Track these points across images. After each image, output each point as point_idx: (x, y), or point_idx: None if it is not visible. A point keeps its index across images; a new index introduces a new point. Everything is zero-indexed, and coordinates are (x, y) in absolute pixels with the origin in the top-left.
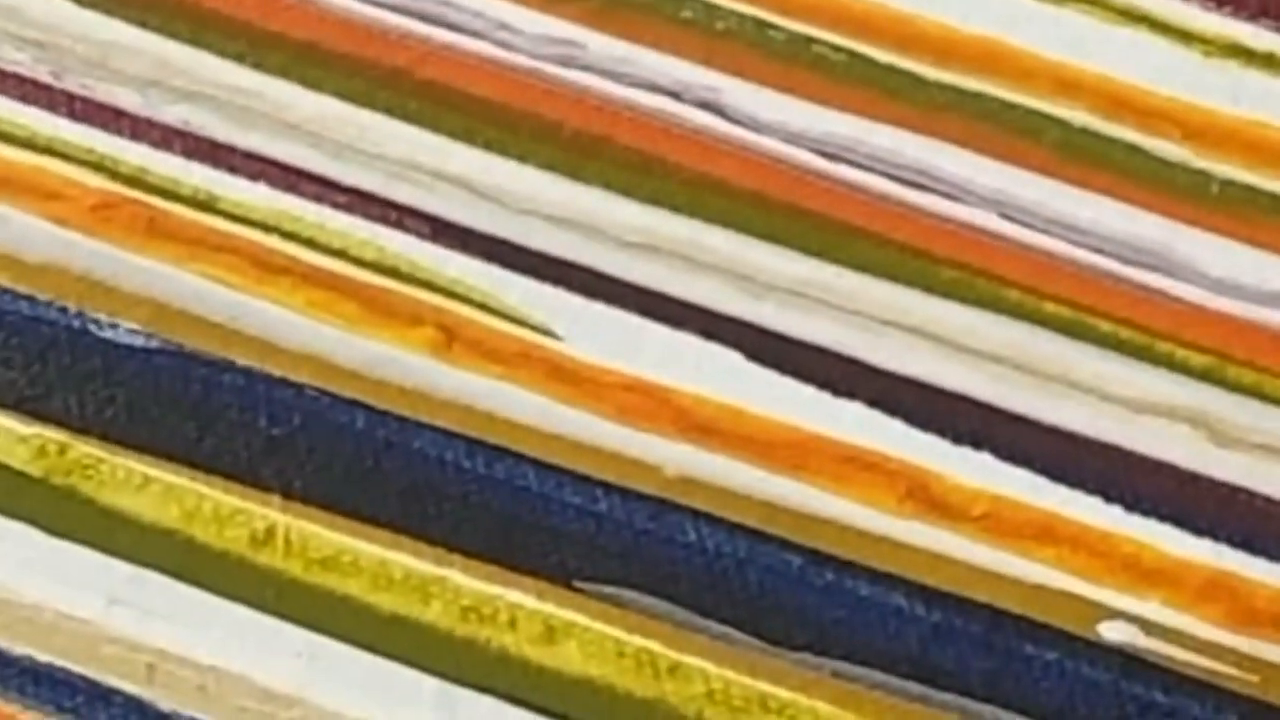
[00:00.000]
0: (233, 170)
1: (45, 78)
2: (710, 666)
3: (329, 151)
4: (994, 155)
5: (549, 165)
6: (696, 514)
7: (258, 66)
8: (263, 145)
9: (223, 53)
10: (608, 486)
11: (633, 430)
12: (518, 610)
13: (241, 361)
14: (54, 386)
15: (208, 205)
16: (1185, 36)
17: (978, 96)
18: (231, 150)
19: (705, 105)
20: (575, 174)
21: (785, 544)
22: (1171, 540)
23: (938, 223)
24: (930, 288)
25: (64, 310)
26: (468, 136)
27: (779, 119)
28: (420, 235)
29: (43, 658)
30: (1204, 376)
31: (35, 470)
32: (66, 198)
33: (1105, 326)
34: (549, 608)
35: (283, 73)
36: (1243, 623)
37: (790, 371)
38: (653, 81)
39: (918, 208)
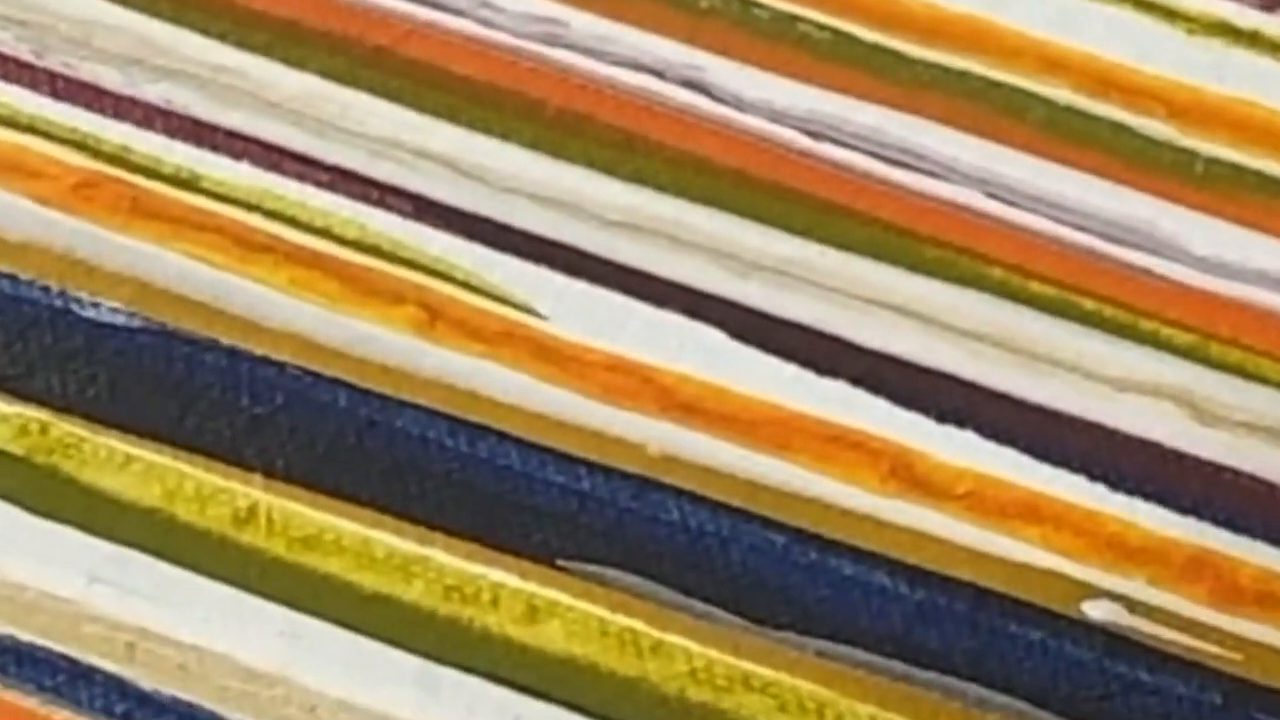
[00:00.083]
0: (215, 149)
1: (27, 56)
2: (693, 645)
3: (311, 130)
4: (979, 133)
5: (532, 144)
6: (680, 493)
7: (240, 45)
8: (245, 124)
9: (205, 31)
10: (591, 465)
11: (616, 409)
12: (500, 589)
13: (224, 340)
14: (36, 365)
15: (190, 184)
16: (1170, 14)
17: (962, 75)
18: (214, 129)
19: (689, 84)
20: (558, 152)
21: (768, 523)
22: (1155, 518)
23: (922, 201)
24: (914, 266)
25: (46, 289)
26: (450, 115)
27: (763, 97)
28: (403, 214)
29: (23, 636)
30: (1188, 355)
31: (17, 449)
32: (48, 176)
33: (1089, 305)
34: (532, 587)
35: (265, 51)
36: (1226, 601)
37: (774, 350)
38: (636, 60)
39: (902, 186)
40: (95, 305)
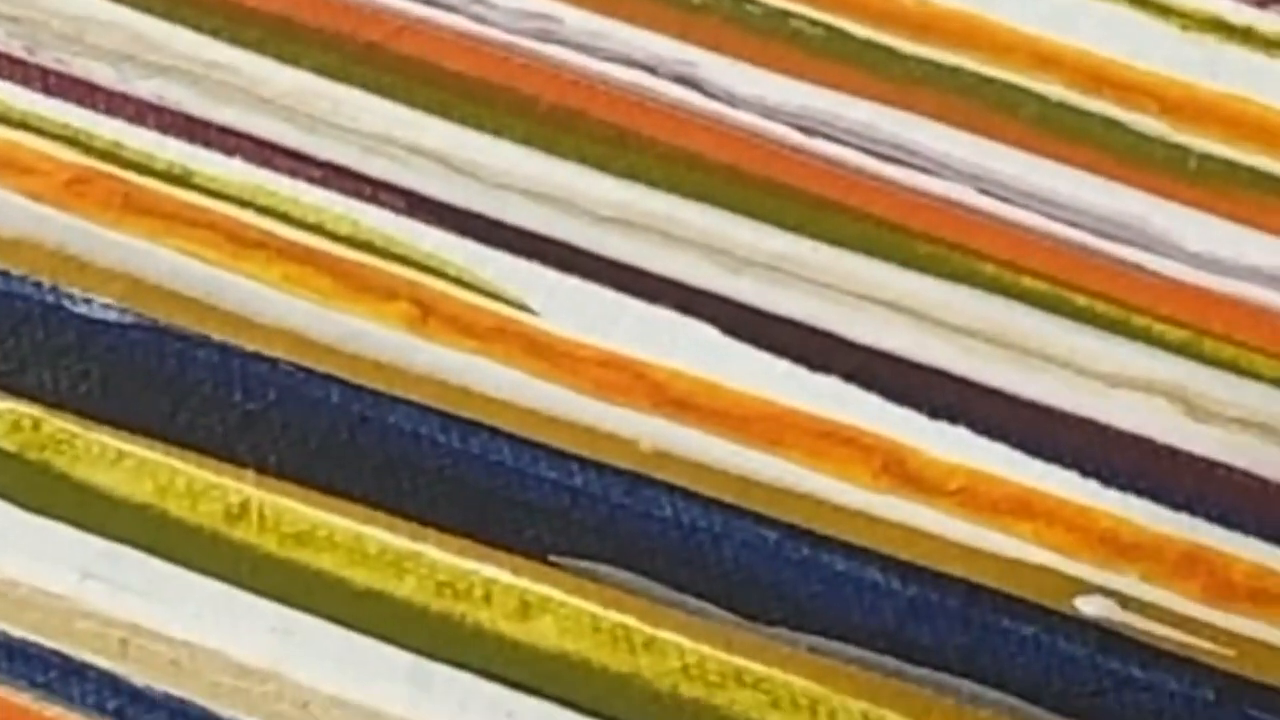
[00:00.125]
0: (207, 145)
1: (19, 52)
2: (686, 641)
3: (304, 126)
4: (971, 129)
5: (525, 140)
6: (672, 488)
7: (232, 41)
8: (237, 120)
9: (197, 27)
10: (583, 461)
11: (608, 405)
12: (493, 585)
13: (216, 336)
14: (28, 361)
15: (182, 180)
16: (1163, 11)
17: (955, 71)
18: (206, 125)
19: (681, 80)
20: (551, 148)
21: (761, 518)
22: (1148, 514)
23: (914, 197)
24: (907, 262)
25: (38, 285)
26: (443, 111)
27: (755, 93)
28: (395, 210)
29: (16, 633)
30: (1181, 350)
31: (9, 445)
32: (41, 173)
33: (1082, 301)
34: (524, 583)
35: (257, 47)
36: (1219, 597)
37: (766, 346)
38: (629, 56)
39: (894, 182)
40: (87, 301)
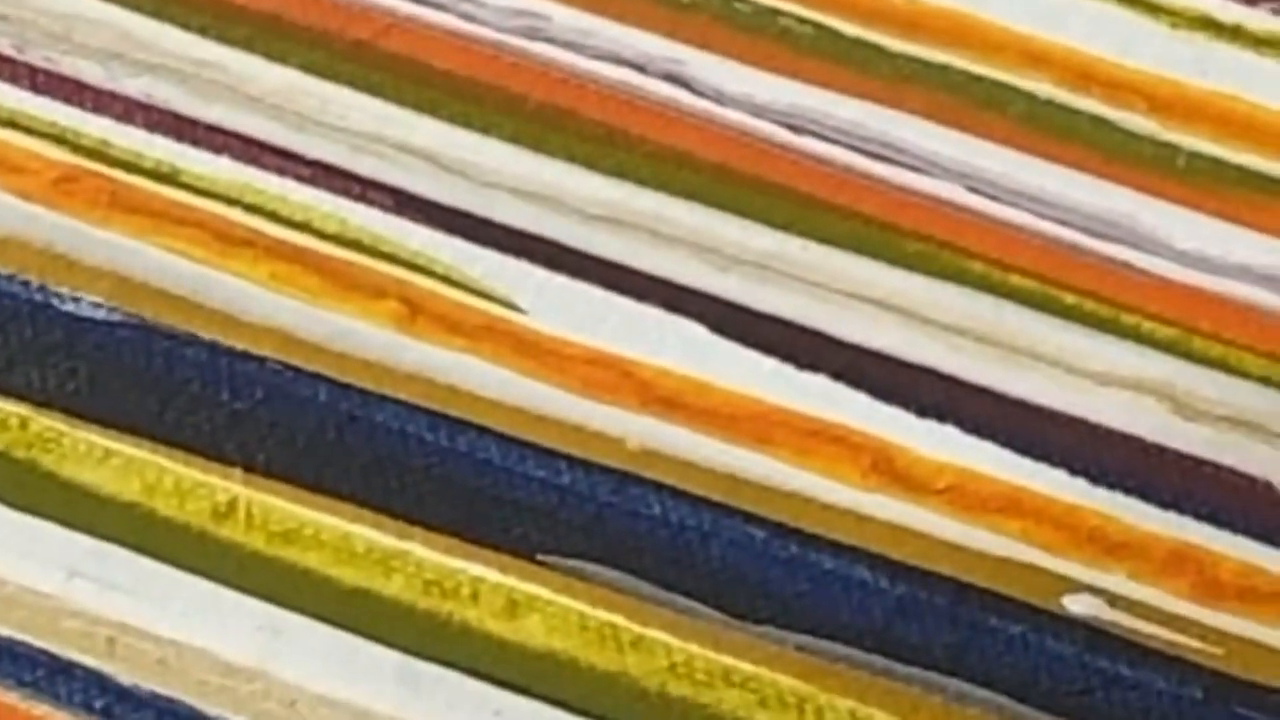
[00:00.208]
0: (195, 143)
1: (7, 50)
2: (673, 640)
3: (292, 124)
4: (960, 128)
5: (513, 138)
6: (660, 487)
7: (220, 39)
8: (225, 118)
9: (185, 25)
10: (571, 460)
11: (596, 403)
12: (480, 584)
13: (204, 334)
14: (15, 360)
15: (170, 178)
16: (1152, 9)
17: (944, 69)
18: (194, 123)
19: (670, 78)
20: (539, 147)
21: (749, 517)
22: (1136, 513)
23: (903, 195)
24: (895, 260)
25: (26, 284)
26: (432, 109)
27: (744, 91)
28: (384, 208)
29: (3, 631)
30: (1170, 349)
31: None
32: (28, 171)
33: (1071, 299)
34: (511, 581)
35: (246, 45)
36: (1207, 595)
37: (754, 344)
38: (617, 54)
39: (883, 180)
40: (75, 300)
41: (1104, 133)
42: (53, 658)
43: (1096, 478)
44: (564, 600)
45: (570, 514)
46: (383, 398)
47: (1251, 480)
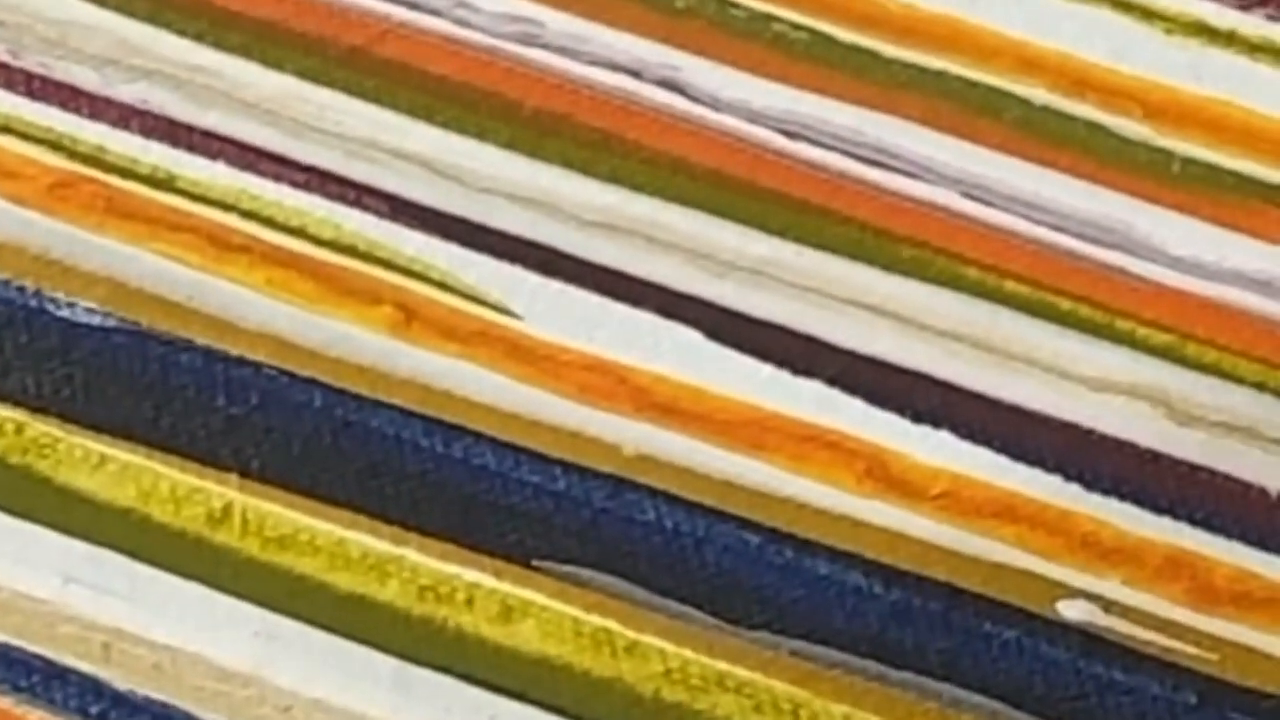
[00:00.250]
0: (191, 149)
1: (3, 56)
2: (668, 645)
3: (287, 130)
4: (955, 133)
5: (508, 144)
6: (655, 493)
7: (216, 45)
8: (221, 124)
9: (181, 31)
10: (566, 465)
11: (591, 409)
12: (475, 589)
13: (199, 340)
14: (11, 365)
15: (166, 184)
16: (1147, 14)
17: (939, 75)
18: (190, 129)
19: (665, 83)
20: (534, 152)
21: (744, 523)
22: (1131, 519)
23: (898, 201)
24: (890, 266)
25: (21, 289)
26: (427, 115)
27: (739, 97)
28: (379, 214)
29: None
30: (1164, 354)
31: None
32: (24, 176)
33: (1065, 305)
34: (506, 587)
35: (241, 51)
36: (1202, 601)
37: (749, 350)
38: (612, 60)
39: (878, 186)
40: (70, 305)
41: (1098, 138)
42: (48, 663)
43: (1091, 483)
44: (559, 606)
45: (565, 520)
46: (378, 403)
47: (1246, 486)
